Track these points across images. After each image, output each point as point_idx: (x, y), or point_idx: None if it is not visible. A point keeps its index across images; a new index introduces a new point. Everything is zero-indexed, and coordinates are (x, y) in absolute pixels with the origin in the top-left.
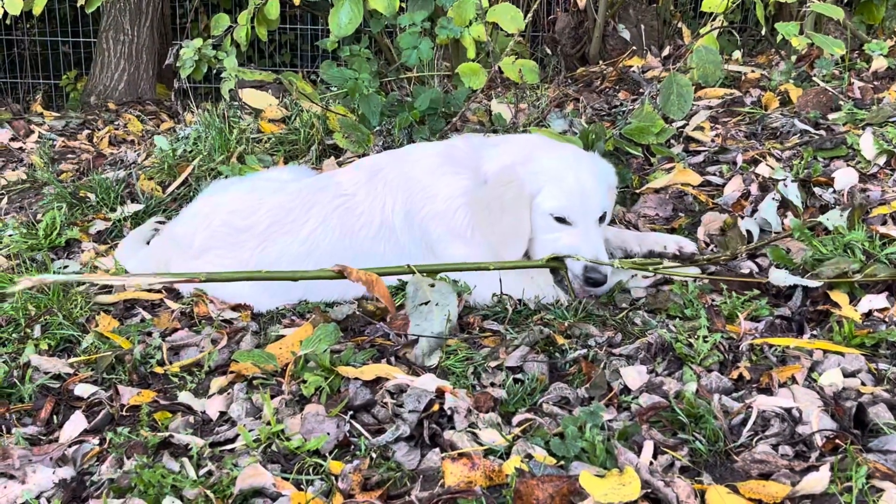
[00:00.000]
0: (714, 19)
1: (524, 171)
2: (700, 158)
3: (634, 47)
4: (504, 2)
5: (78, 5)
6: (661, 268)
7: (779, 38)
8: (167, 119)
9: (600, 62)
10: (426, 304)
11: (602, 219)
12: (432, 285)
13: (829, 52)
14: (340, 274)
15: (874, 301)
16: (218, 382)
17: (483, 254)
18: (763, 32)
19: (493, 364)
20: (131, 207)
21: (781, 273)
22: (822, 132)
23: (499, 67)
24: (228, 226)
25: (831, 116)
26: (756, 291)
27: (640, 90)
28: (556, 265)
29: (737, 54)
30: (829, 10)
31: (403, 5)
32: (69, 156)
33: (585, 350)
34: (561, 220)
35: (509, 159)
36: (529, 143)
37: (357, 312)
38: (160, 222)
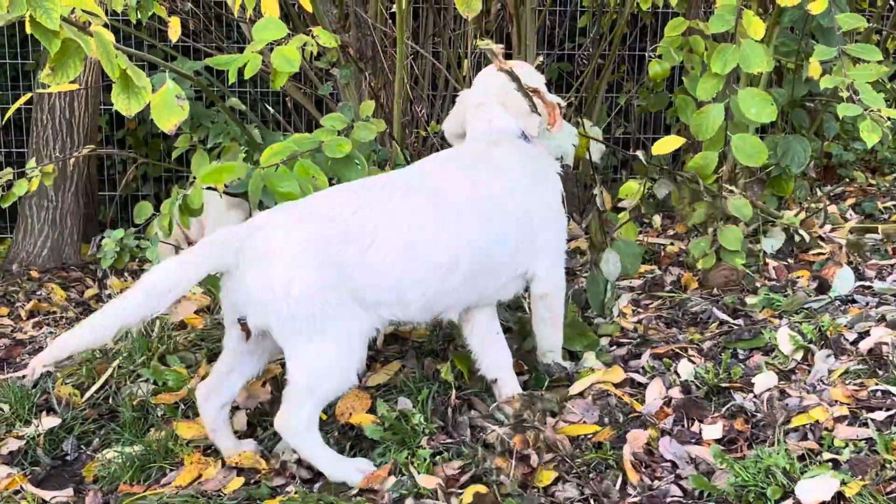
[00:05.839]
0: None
1: None
2: (623, 351)
3: None
4: None
5: None
6: None
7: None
8: (91, 284)
9: None
10: None
11: None
12: None
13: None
14: None
15: None
16: None
17: None
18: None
19: None
20: (47, 422)
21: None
22: (740, 321)
23: None
24: None
25: (749, 301)
26: None
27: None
28: None
29: (657, 220)
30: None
31: None
32: None
33: None
34: None
35: None
36: None
37: None
38: None
